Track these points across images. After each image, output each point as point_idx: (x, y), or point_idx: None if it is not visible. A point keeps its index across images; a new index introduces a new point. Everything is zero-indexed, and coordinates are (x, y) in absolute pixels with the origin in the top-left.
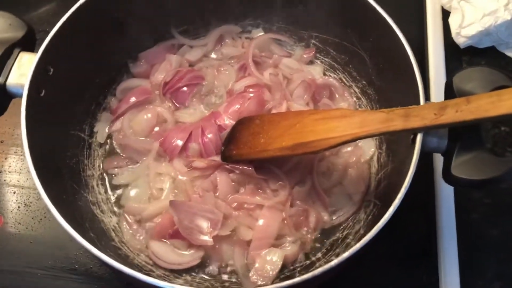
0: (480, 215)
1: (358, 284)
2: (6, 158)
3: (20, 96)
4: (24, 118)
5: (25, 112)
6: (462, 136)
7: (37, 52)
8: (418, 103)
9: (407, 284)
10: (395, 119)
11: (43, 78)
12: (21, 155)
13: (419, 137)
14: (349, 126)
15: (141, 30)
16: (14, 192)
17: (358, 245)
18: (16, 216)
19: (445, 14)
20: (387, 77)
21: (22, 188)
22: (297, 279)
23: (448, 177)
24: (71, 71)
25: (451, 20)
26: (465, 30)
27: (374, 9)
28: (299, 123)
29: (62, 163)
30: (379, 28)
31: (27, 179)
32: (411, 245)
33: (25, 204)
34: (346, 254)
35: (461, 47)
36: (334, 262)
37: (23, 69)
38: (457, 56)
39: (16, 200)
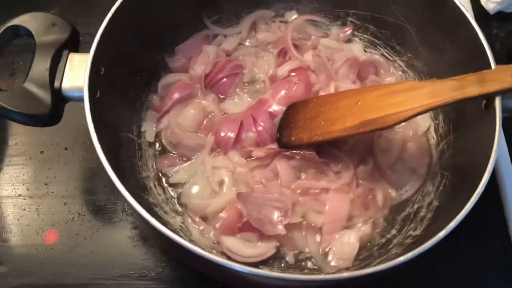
0: None
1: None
2: (49, 169)
3: (76, 99)
4: (91, 122)
5: (90, 115)
6: None
7: (83, 52)
8: (480, 68)
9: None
10: (469, 85)
11: (96, 79)
12: (65, 163)
13: (497, 101)
14: (419, 98)
15: (176, 22)
16: (65, 203)
17: (463, 212)
18: (72, 228)
19: None
20: (437, 47)
21: (73, 198)
22: (402, 258)
23: None
24: (117, 70)
25: None
26: None
27: None
28: (361, 101)
29: (120, 166)
30: None
31: (76, 188)
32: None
33: (79, 214)
34: (452, 224)
35: (491, 13)
36: (442, 233)
37: (76, 71)
38: (486, 22)
39: (69, 211)
